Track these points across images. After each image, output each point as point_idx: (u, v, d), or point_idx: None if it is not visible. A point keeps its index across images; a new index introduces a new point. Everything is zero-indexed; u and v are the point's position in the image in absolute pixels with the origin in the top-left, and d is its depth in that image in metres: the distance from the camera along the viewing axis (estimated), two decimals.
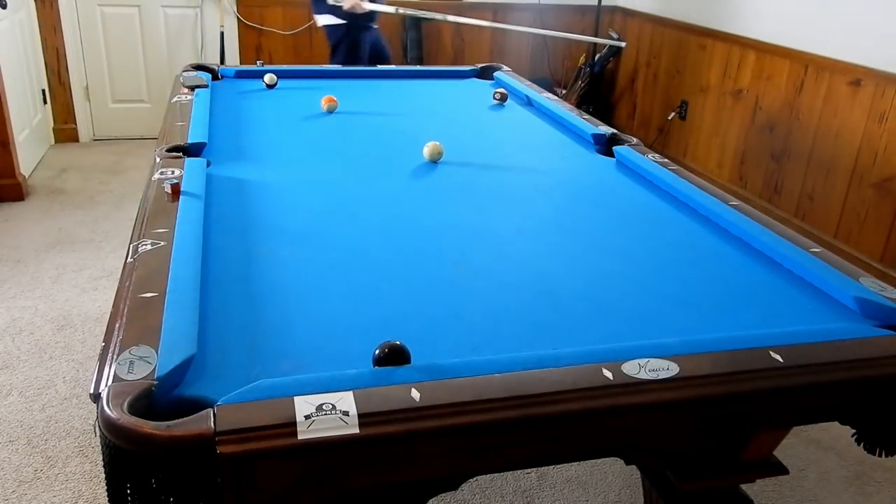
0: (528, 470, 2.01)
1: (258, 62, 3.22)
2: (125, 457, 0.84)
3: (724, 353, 1.08)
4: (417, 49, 4.90)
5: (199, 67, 2.96)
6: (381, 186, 1.86)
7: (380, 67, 3.39)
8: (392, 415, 0.90)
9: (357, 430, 0.88)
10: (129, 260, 1.29)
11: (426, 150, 2.03)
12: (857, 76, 3.20)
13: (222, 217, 1.58)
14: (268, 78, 2.84)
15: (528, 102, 2.79)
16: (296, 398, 0.91)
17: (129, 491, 0.86)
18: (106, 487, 0.88)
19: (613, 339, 1.17)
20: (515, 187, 1.90)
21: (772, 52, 3.71)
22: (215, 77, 2.94)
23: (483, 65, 3.27)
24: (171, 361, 0.98)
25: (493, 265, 1.44)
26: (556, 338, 1.17)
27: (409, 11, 4.07)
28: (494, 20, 4.75)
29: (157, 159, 1.82)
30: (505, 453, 0.98)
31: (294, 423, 0.87)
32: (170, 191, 1.58)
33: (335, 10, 3.71)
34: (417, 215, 1.68)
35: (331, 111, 2.53)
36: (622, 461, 1.24)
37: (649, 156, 2.05)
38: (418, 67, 3.42)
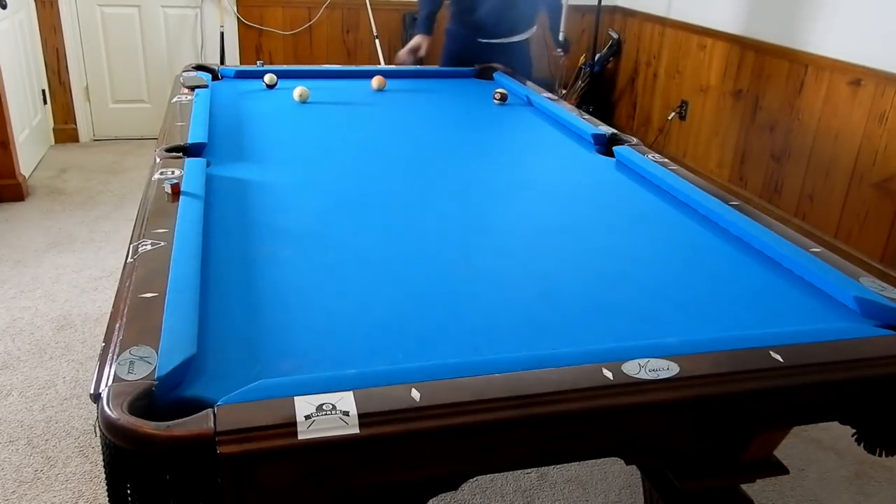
0: (528, 470, 2.01)
1: (258, 62, 3.22)
2: (125, 457, 0.84)
3: (724, 353, 1.08)
4: None
5: (199, 67, 2.96)
6: (380, 186, 1.85)
7: (379, 67, 3.38)
8: (392, 415, 0.90)
9: (357, 430, 0.88)
10: (129, 260, 1.29)
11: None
12: (857, 76, 3.20)
13: (222, 217, 1.58)
14: (268, 78, 2.84)
15: (528, 102, 2.79)
16: (296, 398, 0.91)
17: (129, 491, 0.86)
18: (106, 488, 0.88)
19: (613, 339, 1.17)
20: (515, 187, 1.90)
21: (772, 52, 3.71)
22: (215, 77, 2.94)
23: (483, 65, 3.26)
24: (172, 361, 0.98)
25: (493, 265, 1.44)
26: (556, 338, 1.17)
27: None
28: None
29: (157, 159, 1.82)
30: (505, 453, 0.98)
31: (294, 424, 0.87)
32: (170, 191, 1.58)
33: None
34: (417, 215, 1.68)
35: (380, 89, 2.81)
36: (622, 461, 1.24)
37: (649, 156, 2.05)
38: (418, 67, 3.41)
